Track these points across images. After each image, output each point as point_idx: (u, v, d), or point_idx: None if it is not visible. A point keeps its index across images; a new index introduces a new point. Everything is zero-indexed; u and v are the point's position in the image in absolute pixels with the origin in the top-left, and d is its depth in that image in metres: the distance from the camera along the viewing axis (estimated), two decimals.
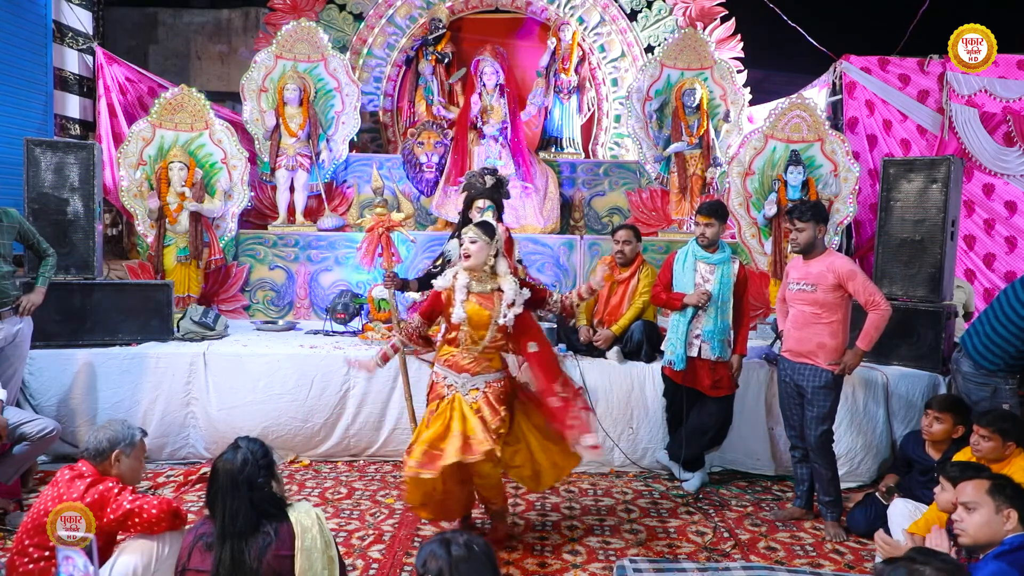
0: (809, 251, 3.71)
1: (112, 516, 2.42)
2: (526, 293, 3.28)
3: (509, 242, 4.18)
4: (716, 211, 4.04)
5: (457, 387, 3.25)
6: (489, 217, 3.80)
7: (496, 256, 3.27)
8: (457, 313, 3.19)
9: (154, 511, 2.44)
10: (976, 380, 3.73)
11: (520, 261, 4.26)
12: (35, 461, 3.92)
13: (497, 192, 4.13)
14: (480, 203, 4.07)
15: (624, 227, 4.64)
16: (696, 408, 4.11)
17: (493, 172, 4.16)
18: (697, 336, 4.01)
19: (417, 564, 1.68)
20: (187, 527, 2.51)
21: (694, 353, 4.01)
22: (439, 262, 4.12)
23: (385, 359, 3.39)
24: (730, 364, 4.04)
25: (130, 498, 2.45)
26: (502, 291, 3.25)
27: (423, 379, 4.18)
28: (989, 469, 2.75)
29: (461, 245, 3.24)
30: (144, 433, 2.69)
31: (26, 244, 4.04)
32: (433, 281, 3.36)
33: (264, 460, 2.28)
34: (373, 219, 3.95)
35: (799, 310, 3.73)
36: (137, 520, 2.44)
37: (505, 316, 3.20)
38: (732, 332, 4.07)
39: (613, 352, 4.55)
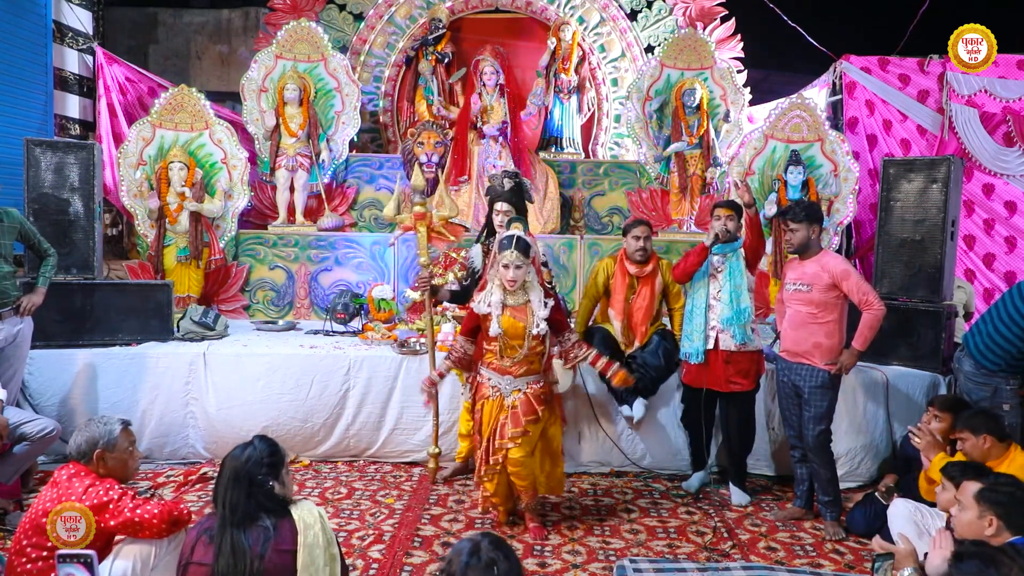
0: (804, 251, 3.72)
1: (113, 522, 2.42)
2: (550, 302, 3.45)
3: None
4: (736, 204, 4.02)
5: (501, 388, 3.47)
6: (519, 230, 3.80)
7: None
8: (494, 328, 3.38)
9: (155, 521, 2.43)
10: (977, 380, 3.74)
11: (545, 264, 4.27)
12: (35, 461, 3.92)
13: (517, 195, 4.16)
14: (499, 206, 4.11)
15: (639, 223, 4.35)
16: (719, 417, 4.12)
17: (514, 175, 4.21)
18: (713, 328, 3.97)
19: (449, 554, 1.68)
20: (190, 525, 2.51)
21: (711, 345, 3.97)
22: (466, 275, 4.31)
23: (439, 377, 3.80)
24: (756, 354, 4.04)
25: (131, 505, 2.43)
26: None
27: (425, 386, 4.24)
28: (990, 469, 2.75)
29: (504, 268, 3.37)
30: (126, 423, 2.66)
31: (27, 244, 4.04)
32: (473, 306, 3.51)
33: (269, 459, 2.29)
34: (412, 217, 3.96)
35: (795, 310, 3.74)
36: (138, 530, 2.43)
37: (538, 327, 3.38)
38: (754, 317, 4.01)
39: (639, 404, 4.29)
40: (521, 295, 3.43)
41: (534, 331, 3.38)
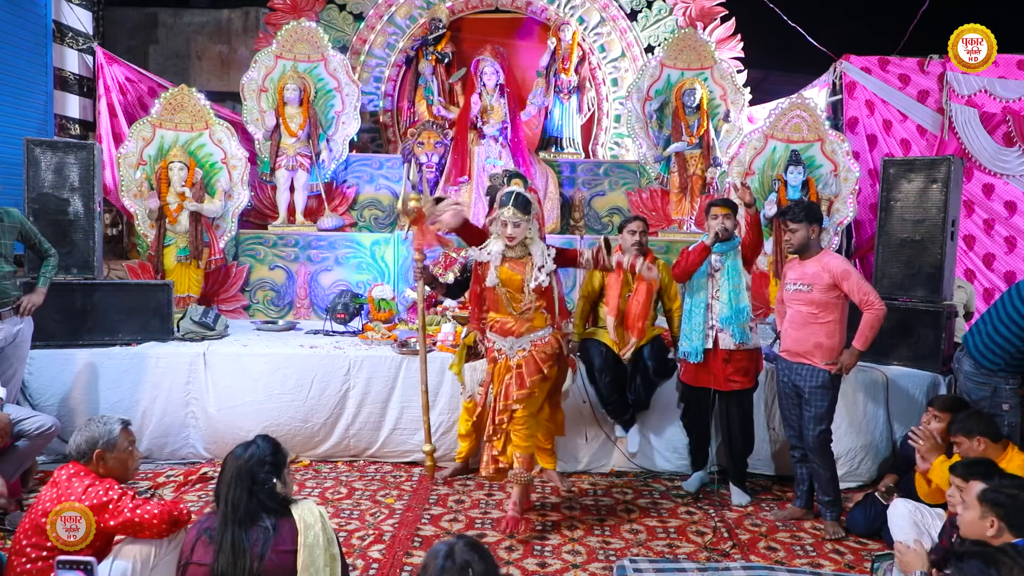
0: (804, 252, 3.72)
1: (112, 523, 2.42)
2: (552, 252, 3.45)
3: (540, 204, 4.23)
4: (732, 203, 4.03)
5: (506, 350, 3.49)
6: (518, 187, 3.83)
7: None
8: (491, 277, 3.40)
9: (155, 521, 2.43)
10: (977, 379, 3.73)
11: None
12: (35, 461, 3.92)
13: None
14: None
15: (636, 218, 4.39)
16: (719, 416, 4.11)
17: (516, 175, 4.22)
18: (712, 327, 3.97)
19: (425, 558, 1.68)
20: (189, 525, 2.51)
21: (709, 344, 3.97)
22: (462, 269, 4.28)
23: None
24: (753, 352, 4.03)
25: (130, 505, 2.43)
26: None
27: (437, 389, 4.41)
28: (997, 468, 2.74)
29: (503, 225, 3.37)
30: (126, 423, 2.67)
31: (28, 245, 4.05)
32: (473, 251, 3.51)
33: (271, 458, 2.30)
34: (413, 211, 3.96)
35: (796, 310, 3.74)
36: (138, 530, 2.43)
37: (536, 279, 3.38)
38: (752, 316, 4.02)
39: (634, 434, 4.41)
40: (521, 249, 3.43)
41: (532, 284, 3.38)
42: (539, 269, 3.39)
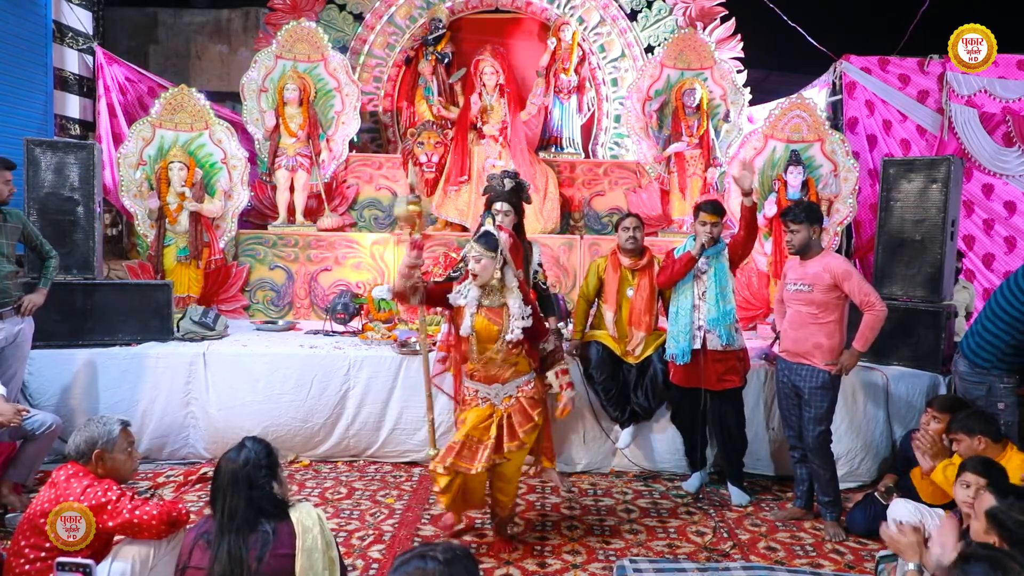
0: (805, 252, 3.72)
1: (111, 523, 2.42)
2: (528, 309, 3.25)
3: (519, 248, 4.12)
4: (720, 209, 4.03)
5: (492, 398, 3.29)
6: (490, 227, 3.78)
7: (504, 267, 3.25)
8: (465, 327, 3.22)
9: (154, 522, 2.43)
10: (972, 379, 3.72)
11: (540, 265, 4.25)
12: None
13: (516, 195, 4.11)
14: (498, 206, 4.04)
15: (629, 215, 4.43)
16: (711, 416, 4.10)
17: (513, 176, 4.19)
18: (700, 328, 3.98)
19: None
20: (188, 526, 2.51)
21: (698, 345, 3.97)
22: (460, 264, 4.22)
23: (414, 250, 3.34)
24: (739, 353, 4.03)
25: (129, 506, 2.43)
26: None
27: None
28: (1001, 467, 2.74)
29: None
30: (125, 423, 2.66)
31: (29, 246, 4.06)
32: (450, 296, 3.33)
33: (267, 461, 2.28)
34: (408, 214, 3.94)
35: (796, 310, 3.74)
36: (137, 531, 2.44)
37: (513, 332, 3.21)
38: (737, 318, 4.04)
39: (627, 432, 4.40)
40: (497, 297, 3.25)
41: (508, 336, 3.19)
42: (518, 320, 3.20)
